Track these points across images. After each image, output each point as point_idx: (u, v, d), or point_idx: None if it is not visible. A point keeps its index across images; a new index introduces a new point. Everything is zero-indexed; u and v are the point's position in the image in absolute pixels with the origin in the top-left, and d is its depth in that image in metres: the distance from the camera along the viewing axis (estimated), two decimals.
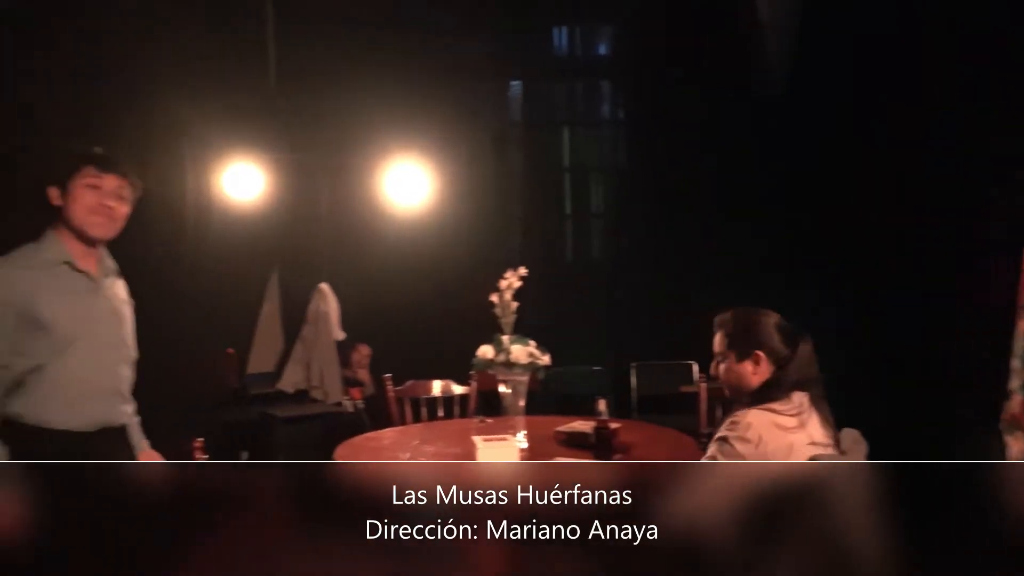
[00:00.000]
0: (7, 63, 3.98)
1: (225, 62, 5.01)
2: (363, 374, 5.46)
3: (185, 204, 4.83)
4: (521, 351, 2.70)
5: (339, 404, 4.89)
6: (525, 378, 2.79)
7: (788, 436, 1.86)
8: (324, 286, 5.11)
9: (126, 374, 2.24)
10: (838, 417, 2.01)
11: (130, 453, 2.22)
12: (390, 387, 3.75)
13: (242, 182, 5.01)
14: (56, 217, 2.11)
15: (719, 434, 1.94)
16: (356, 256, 5.67)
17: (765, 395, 1.93)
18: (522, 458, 2.52)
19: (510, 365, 2.71)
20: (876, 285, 4.48)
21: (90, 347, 2.11)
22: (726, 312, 2.08)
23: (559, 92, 6.17)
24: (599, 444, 2.47)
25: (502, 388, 2.80)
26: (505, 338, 2.74)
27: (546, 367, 2.79)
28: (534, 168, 6.09)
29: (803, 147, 5.05)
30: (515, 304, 2.79)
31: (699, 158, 5.59)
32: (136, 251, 4.60)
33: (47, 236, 2.12)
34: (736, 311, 2.07)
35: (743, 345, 1.99)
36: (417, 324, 5.91)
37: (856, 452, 2.11)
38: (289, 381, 5.00)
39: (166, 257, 4.78)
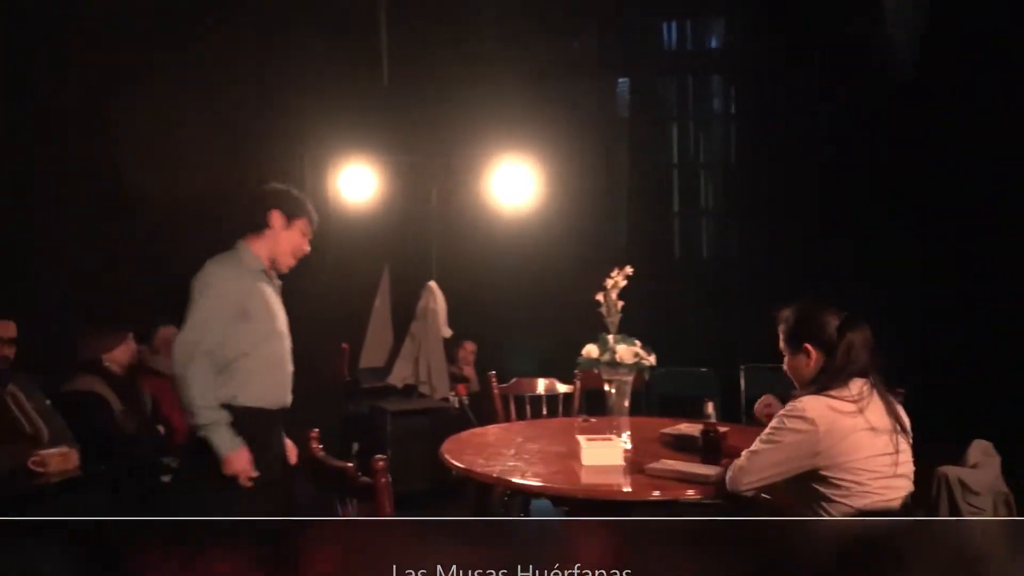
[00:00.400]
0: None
1: (341, 68, 5.22)
2: (469, 371, 5.56)
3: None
4: (627, 351, 2.67)
5: (445, 400, 4.99)
6: (630, 378, 2.75)
7: (844, 419, 1.92)
8: (433, 284, 5.23)
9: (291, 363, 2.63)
10: (968, 428, 1.92)
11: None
12: (495, 384, 3.79)
13: (356, 183, 5.21)
14: (249, 231, 2.54)
15: (775, 419, 2.01)
16: (464, 255, 5.78)
17: (821, 383, 2.00)
18: (626, 459, 2.50)
19: (615, 364, 2.69)
20: (1007, 289, 4.16)
21: (279, 339, 2.55)
22: (786, 308, 2.16)
23: (668, 88, 6.05)
24: (707, 448, 2.40)
25: (607, 388, 2.78)
26: (610, 337, 2.72)
27: (652, 367, 2.75)
28: (641, 165, 6.00)
29: (921, 143, 4.74)
30: (621, 303, 2.76)
31: (812, 153, 5.36)
32: None
33: (242, 247, 2.53)
34: (792, 307, 2.14)
35: (794, 340, 2.09)
36: (523, 322, 5.96)
37: (989, 465, 1.98)
38: (398, 376, 5.14)
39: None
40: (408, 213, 5.61)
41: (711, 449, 2.34)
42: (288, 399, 2.60)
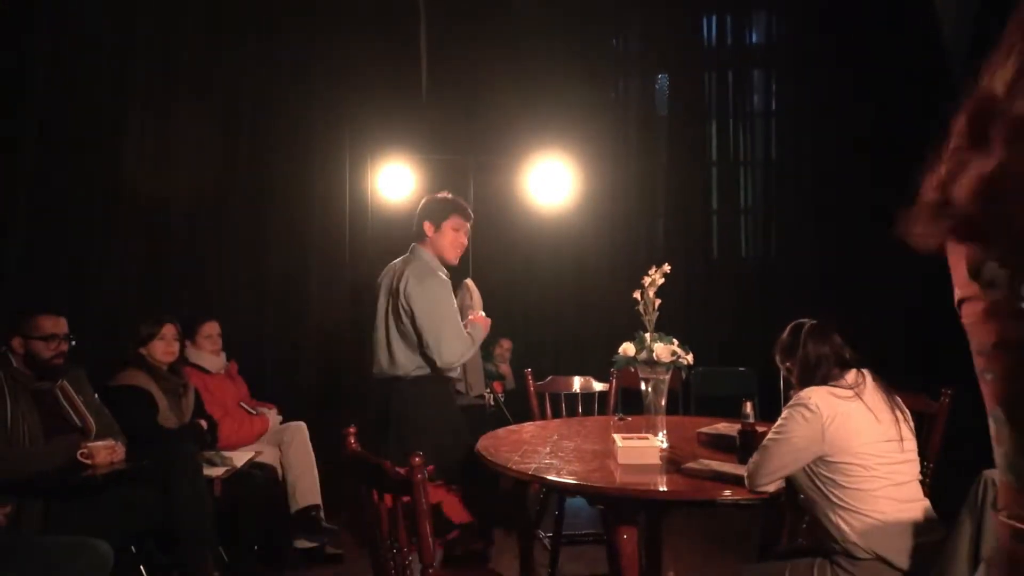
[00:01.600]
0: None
1: (381, 68, 5.27)
2: (505, 368, 5.57)
3: (345, 202, 5.13)
4: (664, 349, 2.65)
5: (481, 397, 5.01)
6: (667, 377, 2.73)
7: (844, 404, 2.02)
8: (469, 281, 5.25)
9: None
10: None
11: None
12: (531, 381, 3.79)
13: (395, 181, 5.26)
14: (416, 240, 3.10)
15: (783, 412, 2.10)
16: (501, 252, 5.79)
17: (814, 381, 2.11)
18: (662, 458, 2.48)
19: (652, 363, 2.67)
20: None
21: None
22: (783, 335, 2.28)
23: (708, 84, 5.97)
24: (744, 448, 2.37)
25: (643, 386, 2.77)
26: (648, 336, 2.70)
27: (689, 366, 2.73)
28: (680, 163, 5.94)
29: None
30: (658, 301, 2.74)
31: (854, 150, 5.26)
32: (300, 246, 4.97)
33: (420, 251, 3.09)
34: (783, 341, 2.26)
35: (784, 360, 2.26)
36: (559, 320, 5.96)
37: None
38: None
39: (331, 251, 5.13)
40: None
41: (748, 449, 2.30)
42: None
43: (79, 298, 3.66)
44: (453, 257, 3.11)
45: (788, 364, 2.24)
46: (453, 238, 3.08)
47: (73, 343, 2.94)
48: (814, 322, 2.23)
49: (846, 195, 5.35)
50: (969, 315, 0.88)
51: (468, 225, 3.13)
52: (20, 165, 3.62)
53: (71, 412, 2.90)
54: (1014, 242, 0.79)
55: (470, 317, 3.21)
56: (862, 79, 5.25)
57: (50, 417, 2.83)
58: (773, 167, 5.89)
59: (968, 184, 0.80)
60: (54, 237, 3.79)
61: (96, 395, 3.08)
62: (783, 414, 2.07)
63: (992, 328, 0.84)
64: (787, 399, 2.16)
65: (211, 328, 3.83)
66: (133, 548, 3.01)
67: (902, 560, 1.90)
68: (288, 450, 3.74)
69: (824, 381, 2.09)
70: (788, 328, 2.27)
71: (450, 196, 3.18)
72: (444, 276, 3.07)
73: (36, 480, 2.62)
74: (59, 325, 2.90)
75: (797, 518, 2.75)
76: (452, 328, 2.96)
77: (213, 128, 4.58)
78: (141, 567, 3.04)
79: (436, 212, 3.08)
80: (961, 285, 0.87)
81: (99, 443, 2.81)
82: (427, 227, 3.07)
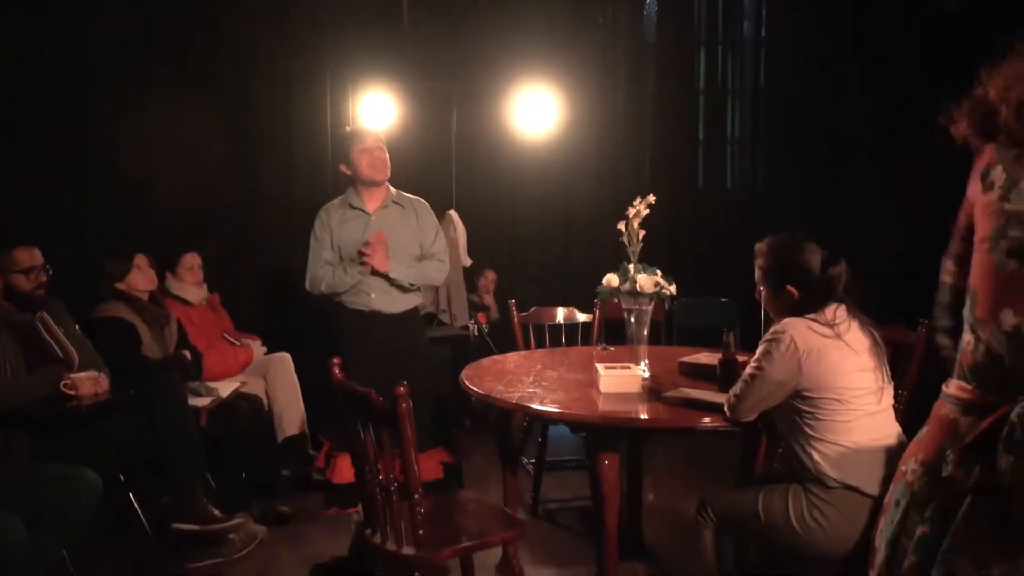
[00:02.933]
0: None
1: None
2: (489, 299, 5.59)
3: (326, 130, 5.02)
4: (647, 280, 2.66)
5: (466, 328, 5.03)
6: (650, 307, 2.75)
7: (822, 339, 2.00)
8: (452, 212, 5.21)
9: None
10: None
11: None
12: (515, 312, 3.81)
13: (377, 110, 5.14)
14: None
15: (760, 344, 2.08)
16: (485, 183, 5.73)
17: (799, 313, 2.08)
18: (644, 388, 2.52)
19: (635, 294, 2.68)
20: None
21: None
22: (764, 243, 2.20)
23: (697, 9, 5.81)
24: (724, 377, 2.41)
25: (626, 317, 2.78)
26: (631, 266, 2.70)
27: (672, 297, 2.74)
28: (667, 92, 5.84)
29: (961, 70, 4.54)
30: (643, 232, 2.74)
31: (845, 79, 5.18)
32: (283, 177, 4.88)
33: (347, 191, 3.29)
34: (771, 242, 2.18)
35: (775, 280, 2.14)
36: (543, 251, 5.95)
37: None
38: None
39: (313, 182, 5.04)
40: (428, 141, 5.54)
41: (729, 378, 2.34)
42: None
43: (56, 231, 3.59)
44: (374, 173, 3.20)
45: (791, 288, 2.11)
46: (363, 160, 3.17)
47: (51, 272, 2.90)
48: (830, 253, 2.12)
49: (834, 126, 5.30)
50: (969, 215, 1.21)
51: (371, 138, 3.22)
52: None
53: (53, 344, 2.88)
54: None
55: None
56: (856, 5, 5.13)
57: (32, 350, 2.82)
58: (761, 96, 5.80)
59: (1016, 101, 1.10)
60: (28, 166, 3.69)
61: (77, 327, 3.06)
62: (761, 348, 2.08)
63: (983, 223, 1.10)
64: (767, 331, 2.18)
65: (192, 259, 3.79)
66: (121, 477, 3.04)
67: (872, 488, 1.96)
68: (273, 381, 3.76)
69: (815, 308, 2.07)
70: (795, 245, 2.13)
71: (347, 129, 3.36)
72: (352, 206, 3.24)
73: (21, 412, 2.62)
74: (34, 256, 2.87)
75: (773, 444, 2.82)
76: (311, 257, 3.28)
77: (192, 58, 4.43)
78: (131, 495, 3.08)
79: (343, 153, 3.23)
80: (973, 187, 1.18)
81: (82, 374, 2.81)
82: (344, 170, 3.24)
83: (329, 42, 5.00)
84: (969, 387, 1.07)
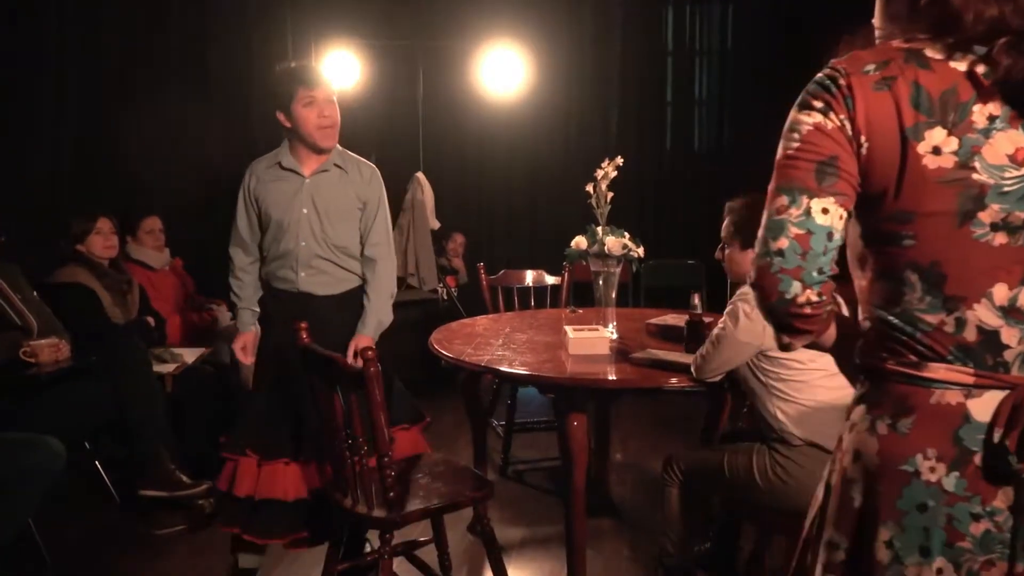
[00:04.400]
0: None
1: None
2: (458, 262, 5.57)
3: None
4: (615, 242, 2.67)
5: (434, 291, 5.02)
6: (618, 269, 2.77)
7: None
8: (420, 175, 5.15)
9: None
10: None
11: None
12: (484, 275, 3.80)
13: (341, 69, 5.03)
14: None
15: (727, 307, 2.10)
16: (452, 145, 5.66)
17: None
18: (612, 349, 2.54)
19: (603, 256, 2.69)
20: None
21: None
22: (737, 199, 2.20)
23: None
24: (690, 338, 2.44)
25: (595, 279, 2.79)
26: (599, 228, 2.70)
27: (640, 259, 2.76)
28: (634, 52, 5.79)
29: None
30: (610, 194, 2.74)
31: (813, 39, 5.18)
32: (244, 137, 4.77)
33: (280, 148, 2.56)
34: (747, 199, 2.17)
35: (748, 233, 2.06)
36: (512, 214, 5.93)
37: None
38: None
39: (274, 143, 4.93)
40: (394, 101, 5.45)
41: (695, 338, 2.37)
42: None
43: (8, 194, 3.48)
44: (322, 138, 2.46)
45: (732, 240, 2.17)
46: (310, 118, 2.44)
47: (3, 238, 2.82)
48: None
49: (801, 86, 5.31)
50: None
51: (321, 88, 2.46)
52: None
53: (9, 310, 2.81)
54: None
55: None
56: None
57: None
58: (730, 57, 5.79)
59: None
60: None
61: (35, 293, 2.99)
62: (727, 309, 2.11)
63: (934, 194, 0.97)
64: (733, 292, 2.21)
65: (152, 223, 3.71)
66: (87, 444, 3.00)
67: (834, 444, 2.00)
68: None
69: None
70: (745, 201, 2.17)
71: (291, 65, 2.55)
72: (283, 166, 2.53)
73: None
74: None
75: (739, 403, 2.87)
76: (232, 227, 2.65)
77: (147, 11, 4.27)
78: (96, 463, 3.05)
79: (282, 99, 2.46)
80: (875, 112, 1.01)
81: (42, 341, 2.75)
82: (281, 118, 2.49)
83: None
84: (968, 368, 0.97)
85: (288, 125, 2.48)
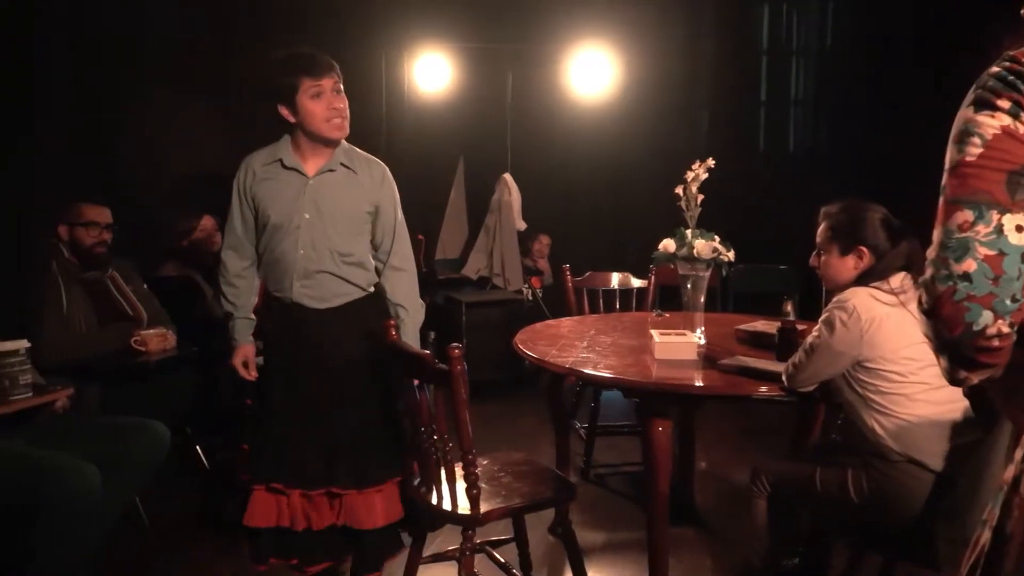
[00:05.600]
0: None
1: None
2: (543, 263, 5.58)
3: (381, 95, 5.02)
4: (705, 246, 2.61)
5: (519, 292, 5.04)
6: (707, 273, 2.71)
7: (885, 308, 1.96)
8: (507, 176, 5.20)
9: None
10: None
11: None
12: (569, 277, 3.80)
13: (432, 72, 5.12)
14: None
15: (823, 315, 2.04)
16: (540, 146, 5.68)
17: (862, 282, 2.04)
18: (699, 355, 2.49)
19: (692, 259, 2.64)
20: None
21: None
22: (834, 205, 2.14)
23: None
24: (782, 345, 2.37)
25: (682, 283, 2.75)
26: (689, 232, 2.66)
27: (730, 263, 2.69)
28: (728, 51, 5.66)
29: None
30: (701, 196, 2.68)
31: (918, 38, 4.94)
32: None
33: (280, 142, 2.33)
34: (844, 204, 2.13)
35: (847, 239, 2.08)
36: (598, 215, 5.89)
37: None
38: (473, 268, 5.21)
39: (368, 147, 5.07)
40: (483, 103, 5.51)
41: (787, 346, 2.30)
42: None
43: (123, 188, 3.69)
44: (330, 130, 2.24)
45: (864, 249, 2.06)
46: (318, 109, 2.22)
47: (115, 231, 3.00)
48: (883, 210, 2.08)
49: (901, 88, 5.08)
50: None
51: (328, 74, 2.22)
52: (53, 61, 3.58)
53: (122, 301, 2.99)
54: None
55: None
56: None
57: (102, 306, 2.93)
58: (828, 56, 5.59)
59: None
60: (93, 128, 3.79)
61: (145, 285, 3.17)
62: (823, 316, 2.04)
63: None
64: (828, 299, 2.13)
65: None
66: (188, 430, 3.16)
67: (936, 462, 1.91)
68: None
69: (867, 279, 2.03)
70: (871, 208, 2.09)
71: (290, 53, 2.26)
72: (285, 165, 2.29)
73: (93, 365, 2.74)
74: (103, 214, 2.96)
75: (831, 415, 2.77)
76: (226, 226, 2.42)
77: (242, 24, 4.44)
78: (197, 448, 3.21)
79: (283, 91, 2.22)
80: None
81: (151, 331, 2.91)
82: (284, 112, 2.25)
83: (382, 3, 4.97)
84: None
85: (292, 120, 2.24)
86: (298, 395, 2.33)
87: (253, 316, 2.46)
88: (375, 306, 2.39)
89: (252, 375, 2.44)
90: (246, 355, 2.45)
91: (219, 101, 4.34)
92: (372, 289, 2.40)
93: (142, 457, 2.43)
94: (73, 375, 2.54)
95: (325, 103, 2.21)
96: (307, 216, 2.26)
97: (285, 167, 2.30)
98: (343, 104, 2.25)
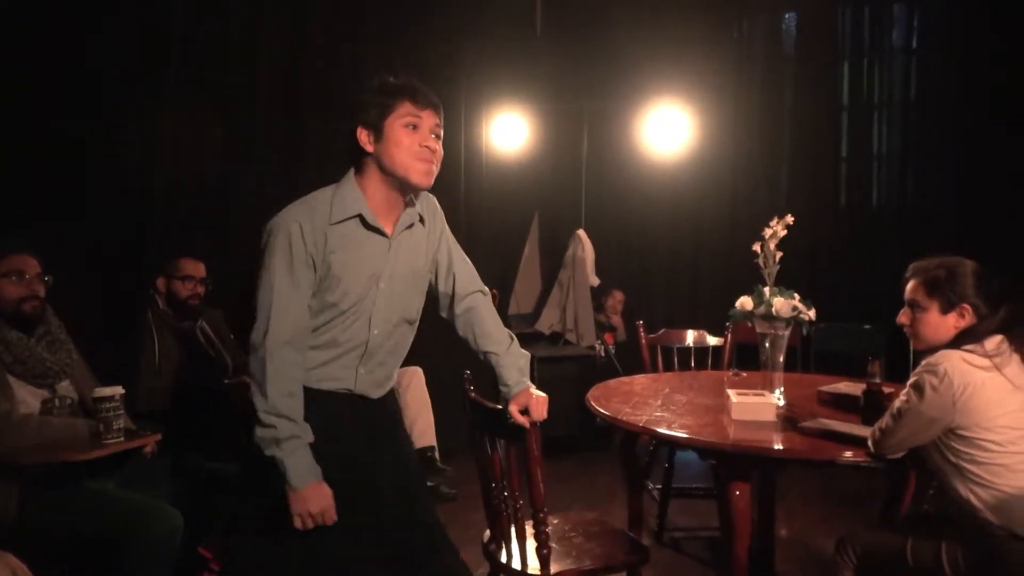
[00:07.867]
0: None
1: (494, 16, 5.21)
2: (616, 319, 5.55)
3: (460, 152, 5.15)
4: (784, 304, 2.55)
5: (592, 348, 5.01)
6: (786, 332, 2.64)
7: (980, 373, 1.85)
8: (581, 232, 5.23)
9: None
10: None
11: None
12: (643, 334, 3.76)
13: (509, 131, 5.25)
14: (357, 163, 1.83)
15: (912, 376, 1.94)
16: (614, 202, 5.71)
17: (956, 344, 1.93)
18: (779, 416, 2.42)
19: (771, 318, 2.58)
20: None
21: None
22: (928, 259, 2.05)
23: (841, 20, 5.56)
24: (868, 408, 2.27)
25: (760, 342, 2.68)
26: (767, 289, 2.60)
27: (810, 322, 2.62)
28: (807, 106, 5.60)
29: None
30: (780, 254, 2.63)
31: (1002, 91, 4.78)
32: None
33: (341, 185, 1.83)
34: (942, 259, 2.02)
35: (949, 295, 1.97)
36: (673, 272, 5.84)
37: None
38: (546, 323, 5.22)
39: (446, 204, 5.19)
40: (558, 160, 5.60)
41: (873, 410, 2.20)
42: None
43: (223, 243, 3.85)
44: (417, 172, 1.77)
45: (967, 307, 1.95)
46: (406, 144, 1.76)
47: (209, 287, 3.14)
48: (982, 267, 1.98)
49: (991, 141, 4.90)
50: None
51: (428, 108, 1.80)
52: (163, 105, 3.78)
53: (210, 350, 3.12)
54: None
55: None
56: (1016, 10, 4.74)
57: (192, 354, 3.06)
58: (912, 109, 5.46)
59: None
60: (199, 180, 3.97)
61: (233, 336, 3.30)
62: (911, 380, 1.95)
63: None
64: (917, 362, 2.04)
65: None
66: None
67: None
68: (405, 393, 3.89)
69: (961, 341, 1.93)
70: (976, 264, 1.99)
71: (386, 81, 1.82)
72: (366, 224, 1.79)
73: (185, 407, 2.85)
74: (198, 269, 3.12)
75: (923, 483, 2.62)
76: (269, 296, 1.74)
77: (336, 82, 4.63)
78: None
79: (373, 108, 1.77)
80: None
81: (235, 380, 3.02)
82: (363, 137, 1.78)
83: (464, 62, 5.13)
84: None
85: (370, 149, 1.77)
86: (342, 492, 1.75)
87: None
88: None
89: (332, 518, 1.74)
90: (324, 507, 1.71)
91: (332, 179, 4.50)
92: None
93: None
94: (163, 419, 2.65)
95: (419, 138, 1.77)
96: (382, 286, 1.81)
97: (367, 226, 1.79)
98: (438, 148, 1.82)
